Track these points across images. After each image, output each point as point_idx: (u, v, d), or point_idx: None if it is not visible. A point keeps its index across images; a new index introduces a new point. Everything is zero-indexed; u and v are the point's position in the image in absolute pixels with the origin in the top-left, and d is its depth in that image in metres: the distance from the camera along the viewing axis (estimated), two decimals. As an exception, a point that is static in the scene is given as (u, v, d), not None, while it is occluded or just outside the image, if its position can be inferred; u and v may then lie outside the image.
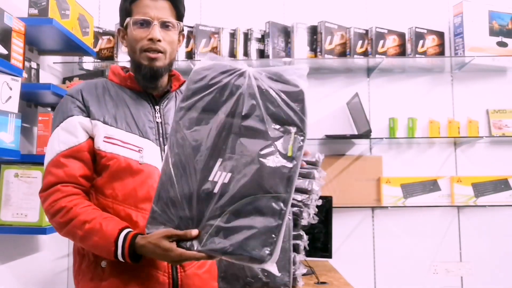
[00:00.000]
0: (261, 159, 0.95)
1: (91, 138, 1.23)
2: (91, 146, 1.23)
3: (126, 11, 1.29)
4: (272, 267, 0.96)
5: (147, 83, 1.29)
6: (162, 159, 1.20)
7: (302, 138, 0.98)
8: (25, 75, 1.95)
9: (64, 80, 2.66)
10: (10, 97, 1.71)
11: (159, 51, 1.24)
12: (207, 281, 1.29)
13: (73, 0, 2.21)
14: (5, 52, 1.68)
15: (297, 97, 0.97)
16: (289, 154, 0.96)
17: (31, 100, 2.17)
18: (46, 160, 1.23)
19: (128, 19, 1.27)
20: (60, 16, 2.09)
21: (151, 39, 1.23)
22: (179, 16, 1.31)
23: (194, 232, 0.98)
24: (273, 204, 0.95)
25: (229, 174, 0.96)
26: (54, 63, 2.62)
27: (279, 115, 0.97)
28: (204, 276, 1.28)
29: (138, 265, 1.14)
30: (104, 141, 1.21)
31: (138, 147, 1.22)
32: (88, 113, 1.23)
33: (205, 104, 1.01)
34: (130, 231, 1.12)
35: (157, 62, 1.25)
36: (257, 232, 0.94)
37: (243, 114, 0.97)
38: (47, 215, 1.21)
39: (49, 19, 1.96)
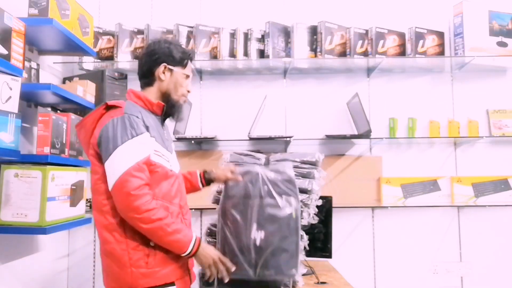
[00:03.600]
0: (279, 219, 1.64)
1: None
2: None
3: (183, 63, 1.72)
4: (299, 278, 1.74)
5: (169, 112, 1.71)
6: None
7: (297, 203, 1.67)
8: (25, 75, 1.95)
9: (64, 80, 2.66)
10: (10, 97, 1.71)
11: None
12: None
13: (73, 0, 2.21)
14: (5, 52, 1.68)
15: (290, 181, 1.70)
16: (294, 215, 1.66)
17: (31, 100, 2.17)
18: (126, 166, 1.50)
19: (186, 71, 1.73)
20: (60, 16, 2.09)
21: (188, 91, 1.74)
22: None
23: (232, 267, 1.64)
24: (291, 244, 1.66)
25: (263, 232, 1.65)
26: (54, 63, 2.63)
27: (283, 193, 1.68)
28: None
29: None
30: (154, 153, 1.58)
31: (167, 158, 1.64)
32: (147, 131, 1.59)
33: (239, 193, 1.71)
34: (198, 237, 1.59)
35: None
36: (286, 261, 1.65)
37: (263, 196, 1.67)
38: (138, 211, 1.48)
39: (49, 19, 1.96)
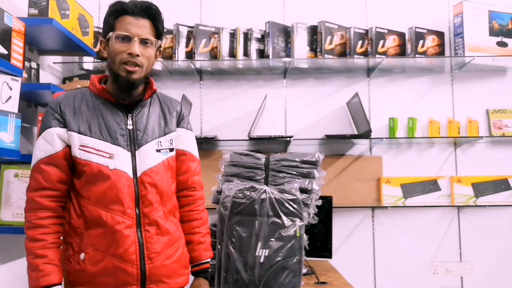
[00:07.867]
0: (283, 238, 1.66)
1: (68, 146, 1.39)
2: (67, 153, 1.39)
3: (109, 25, 1.40)
4: None
5: (123, 93, 1.42)
6: (132, 164, 1.39)
7: (302, 224, 1.69)
8: (25, 75, 1.95)
9: (64, 80, 2.66)
10: (10, 97, 1.71)
11: (137, 65, 1.37)
12: (175, 270, 1.45)
13: (73, 0, 2.21)
14: (5, 52, 1.68)
15: (296, 201, 1.70)
16: (298, 235, 1.68)
17: (31, 100, 2.17)
18: (31, 165, 1.40)
19: (111, 33, 1.38)
20: (60, 16, 2.08)
21: (130, 54, 1.36)
22: (158, 34, 1.46)
23: None
24: (295, 263, 1.68)
25: (267, 250, 1.66)
26: (54, 63, 2.62)
27: (288, 213, 1.68)
28: (172, 266, 1.44)
29: (108, 259, 1.33)
30: (79, 149, 1.37)
31: (109, 153, 1.37)
32: (65, 124, 1.38)
33: (246, 211, 1.68)
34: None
35: (134, 75, 1.38)
36: (289, 279, 1.67)
37: (269, 214, 1.67)
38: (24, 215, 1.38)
39: (49, 19, 1.96)
